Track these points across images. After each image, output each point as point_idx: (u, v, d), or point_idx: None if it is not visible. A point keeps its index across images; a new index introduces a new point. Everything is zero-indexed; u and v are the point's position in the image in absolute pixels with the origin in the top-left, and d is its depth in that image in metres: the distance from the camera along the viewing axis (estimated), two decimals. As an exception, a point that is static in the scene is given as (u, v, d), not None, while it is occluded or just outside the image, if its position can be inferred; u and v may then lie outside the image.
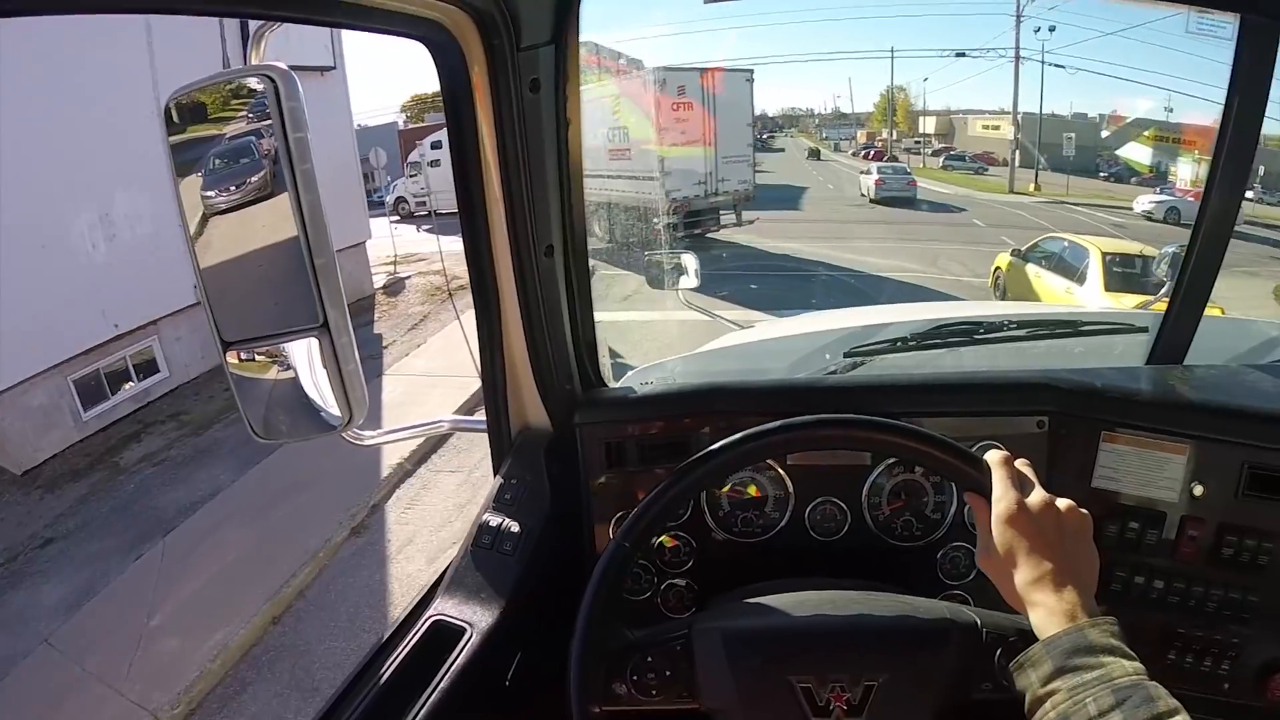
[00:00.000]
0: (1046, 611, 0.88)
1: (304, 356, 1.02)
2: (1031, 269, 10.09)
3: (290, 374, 1.04)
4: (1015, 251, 10.69)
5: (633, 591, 1.44)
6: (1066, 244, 9.82)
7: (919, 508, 1.42)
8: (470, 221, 1.30)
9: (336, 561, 5.89)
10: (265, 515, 6.56)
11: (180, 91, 0.97)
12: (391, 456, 6.98)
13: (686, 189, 14.35)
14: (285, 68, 0.90)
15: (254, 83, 0.92)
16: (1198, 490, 1.32)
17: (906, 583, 1.22)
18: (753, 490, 1.43)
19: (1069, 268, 9.29)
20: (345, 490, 6.68)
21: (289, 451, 7.00)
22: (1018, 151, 30.08)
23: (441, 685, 1.16)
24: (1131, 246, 9.98)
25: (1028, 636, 0.89)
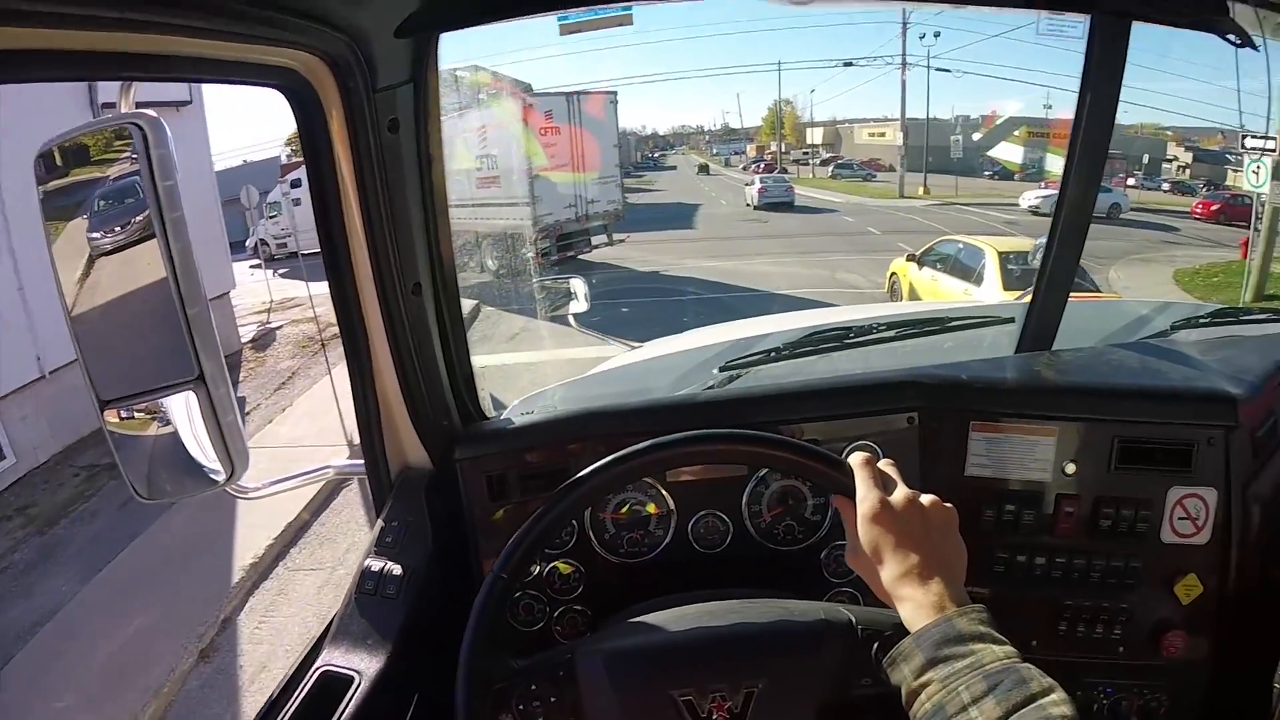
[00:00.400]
0: (914, 605, 0.91)
1: (183, 411, 1.00)
2: (928, 273, 10.39)
3: (170, 430, 1.02)
4: (911, 256, 11.00)
5: (526, 623, 1.46)
6: (961, 246, 10.05)
7: (799, 512, 1.48)
8: (334, 263, 1.30)
9: (183, 696, 5.34)
10: (109, 634, 5.98)
11: (51, 143, 0.96)
12: (244, 556, 6.61)
13: (558, 212, 14.59)
14: (154, 115, 0.90)
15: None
16: (1070, 468, 1.43)
17: (793, 585, 1.28)
18: (636, 510, 1.47)
19: (966, 269, 9.59)
20: (195, 600, 6.26)
21: (135, 553, 6.86)
22: (905, 156, 31.21)
23: None
24: (1025, 244, 10.32)
25: (902, 630, 0.92)
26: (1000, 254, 9.15)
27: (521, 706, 1.03)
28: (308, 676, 1.23)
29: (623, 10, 1.67)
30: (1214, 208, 24.07)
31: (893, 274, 11.69)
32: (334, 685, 1.21)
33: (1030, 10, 1.54)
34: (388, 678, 1.23)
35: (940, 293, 9.84)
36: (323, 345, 10.93)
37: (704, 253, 16.89)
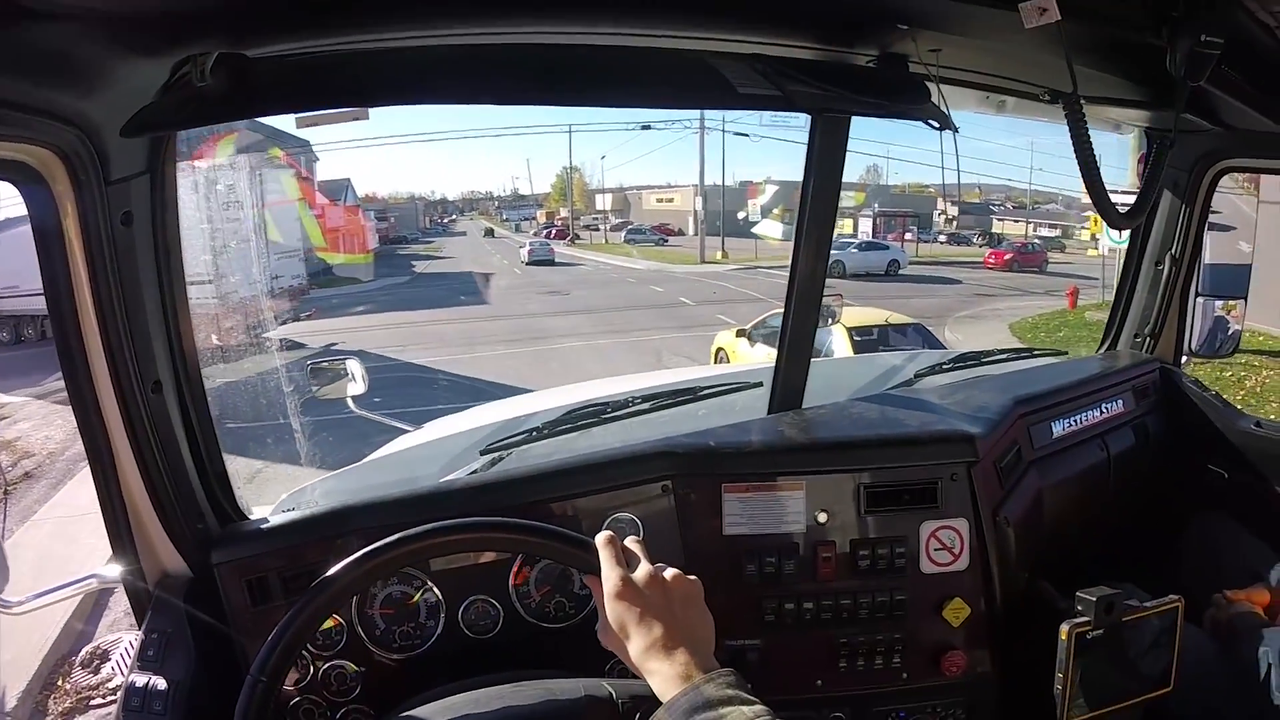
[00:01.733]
0: (663, 677, 0.94)
1: None
2: (762, 350, 10.27)
3: None
4: (740, 332, 11.06)
5: None
6: None
7: (566, 588, 1.53)
8: (69, 361, 1.28)
9: None
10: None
11: None
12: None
13: (243, 289, 14.32)
14: None
15: None
16: (822, 517, 1.57)
17: (572, 662, 1.32)
18: (405, 603, 1.49)
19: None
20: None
21: None
22: (704, 221, 32.22)
23: None
24: (875, 316, 10.67)
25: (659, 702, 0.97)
26: (849, 329, 9.24)
27: None
28: None
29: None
30: (1006, 257, 26.60)
31: (719, 349, 11.77)
32: None
33: (754, 110, 1.72)
34: None
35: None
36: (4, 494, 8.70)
37: (504, 335, 15.75)
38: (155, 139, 1.25)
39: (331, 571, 1.13)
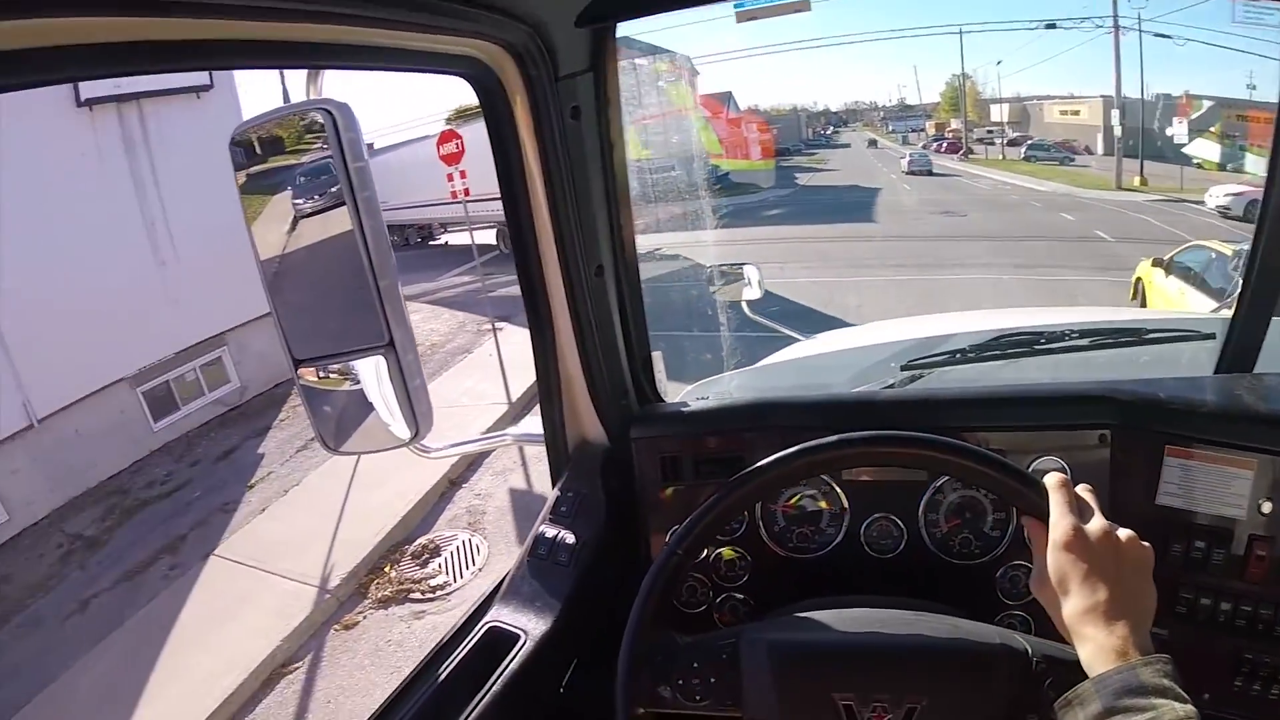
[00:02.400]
0: (1096, 646, 0.90)
1: (371, 374, 1.13)
2: (1175, 284, 9.27)
3: (359, 390, 1.15)
4: (1157, 261, 10.00)
5: (689, 604, 1.56)
6: (1214, 256, 8.59)
7: (978, 525, 1.47)
8: (520, 244, 1.43)
9: None
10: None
11: (245, 126, 1.11)
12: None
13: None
14: (343, 102, 1.02)
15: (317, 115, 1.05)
16: (1266, 507, 1.33)
17: (964, 602, 1.30)
18: (809, 505, 1.53)
19: (1217, 289, 8.01)
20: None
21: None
22: (1122, 138, 28.48)
23: (495, 689, 1.25)
24: None
25: (1078, 670, 0.92)
26: None
27: (681, 682, 1.11)
28: (476, 629, 1.36)
29: None
30: None
31: (1138, 279, 10.52)
32: (500, 640, 1.33)
33: None
34: (552, 639, 1.34)
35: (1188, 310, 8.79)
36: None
37: (892, 258, 14.50)
38: (598, 39, 1.33)
39: (765, 461, 1.17)
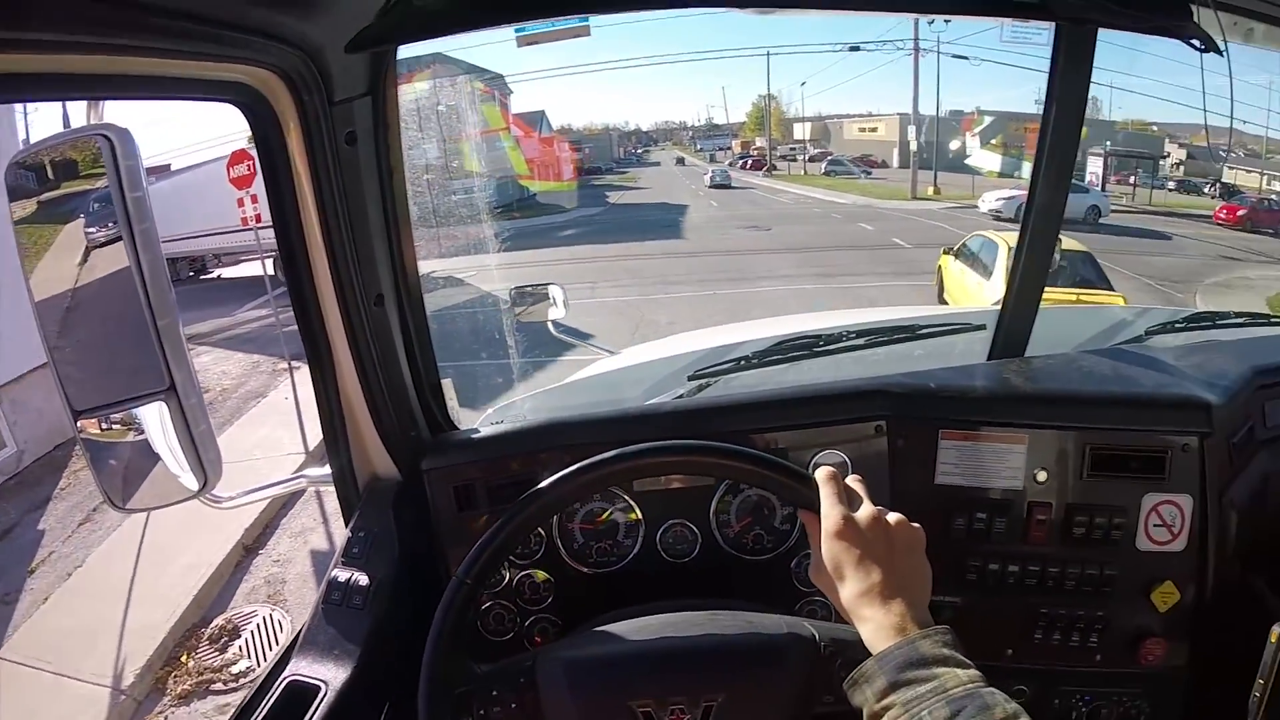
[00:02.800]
0: (876, 625, 0.95)
1: (156, 422, 1.08)
2: (956, 266, 11.04)
3: (144, 440, 1.10)
4: (948, 249, 11.66)
5: (496, 632, 1.56)
6: (983, 241, 10.69)
7: (768, 521, 1.57)
8: (294, 274, 1.39)
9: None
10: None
11: (23, 153, 1.07)
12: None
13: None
14: (122, 127, 0.98)
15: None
16: (1041, 476, 1.51)
17: (764, 595, 1.38)
18: (604, 519, 1.57)
19: (982, 265, 10.17)
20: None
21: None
22: (918, 151, 30.37)
23: None
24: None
25: (865, 649, 0.96)
26: (1010, 248, 9.19)
27: (482, 711, 1.11)
28: (275, 685, 1.31)
29: (579, 22, 1.73)
30: (1240, 213, 22.89)
31: (939, 268, 12.00)
32: (301, 694, 1.29)
33: (993, 19, 1.57)
34: (355, 687, 1.31)
35: (960, 286, 10.47)
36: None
37: (700, 273, 14.93)
38: (376, 62, 1.31)
39: (546, 482, 1.19)
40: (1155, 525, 1.49)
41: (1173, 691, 1.55)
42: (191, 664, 5.80)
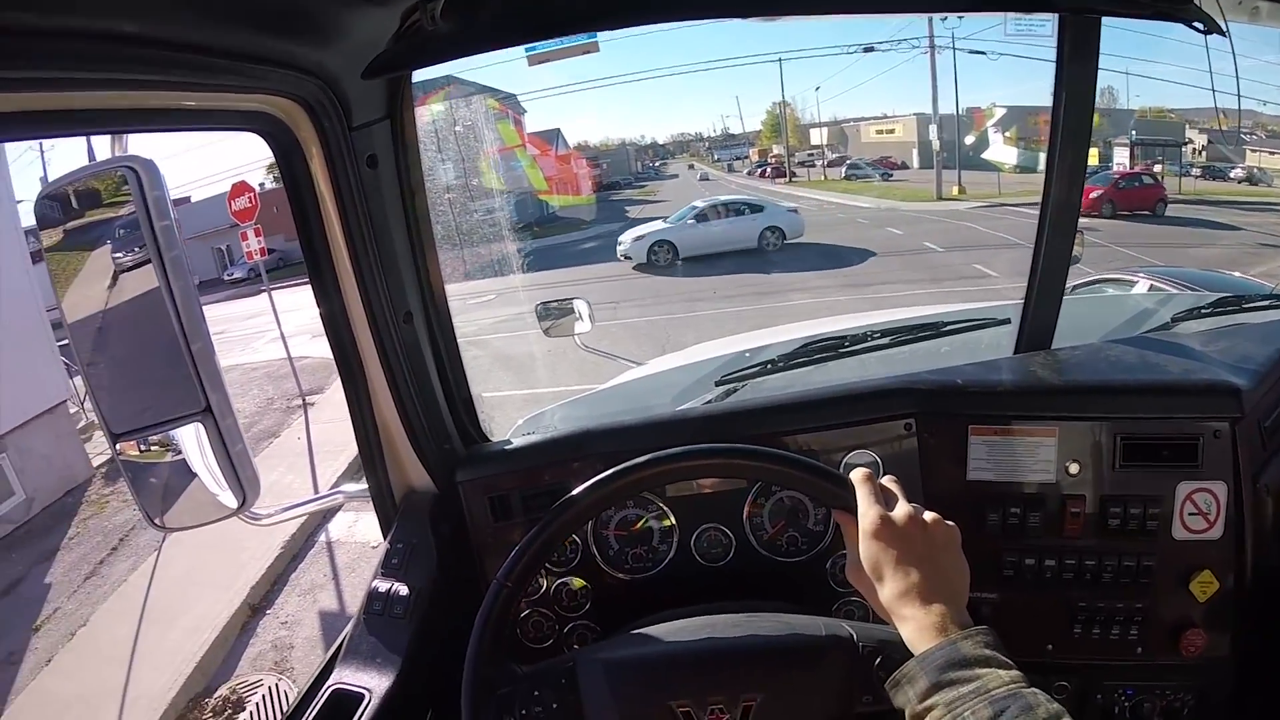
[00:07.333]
0: (916, 625, 0.96)
1: (193, 442, 1.13)
2: None
3: (182, 460, 1.15)
4: None
5: (536, 640, 1.62)
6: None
7: (802, 523, 1.61)
8: (324, 295, 1.44)
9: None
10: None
11: (51, 187, 1.11)
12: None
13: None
14: (147, 159, 1.03)
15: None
16: (1074, 468, 1.53)
17: (800, 596, 1.41)
18: (639, 526, 1.62)
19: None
20: None
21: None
22: (941, 151, 29.93)
23: None
24: None
25: (904, 649, 0.97)
26: None
27: (524, 711, 1.13)
28: (320, 694, 1.37)
29: (588, 39, 1.81)
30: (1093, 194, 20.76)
31: None
32: (346, 703, 1.34)
33: (996, 12, 1.61)
34: (398, 694, 1.36)
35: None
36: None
37: (726, 289, 14.52)
38: (393, 86, 1.37)
39: (582, 487, 1.22)
40: (1190, 514, 1.49)
41: (1218, 681, 1.55)
42: (193, 741, 5.64)
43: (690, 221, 18.43)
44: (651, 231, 17.35)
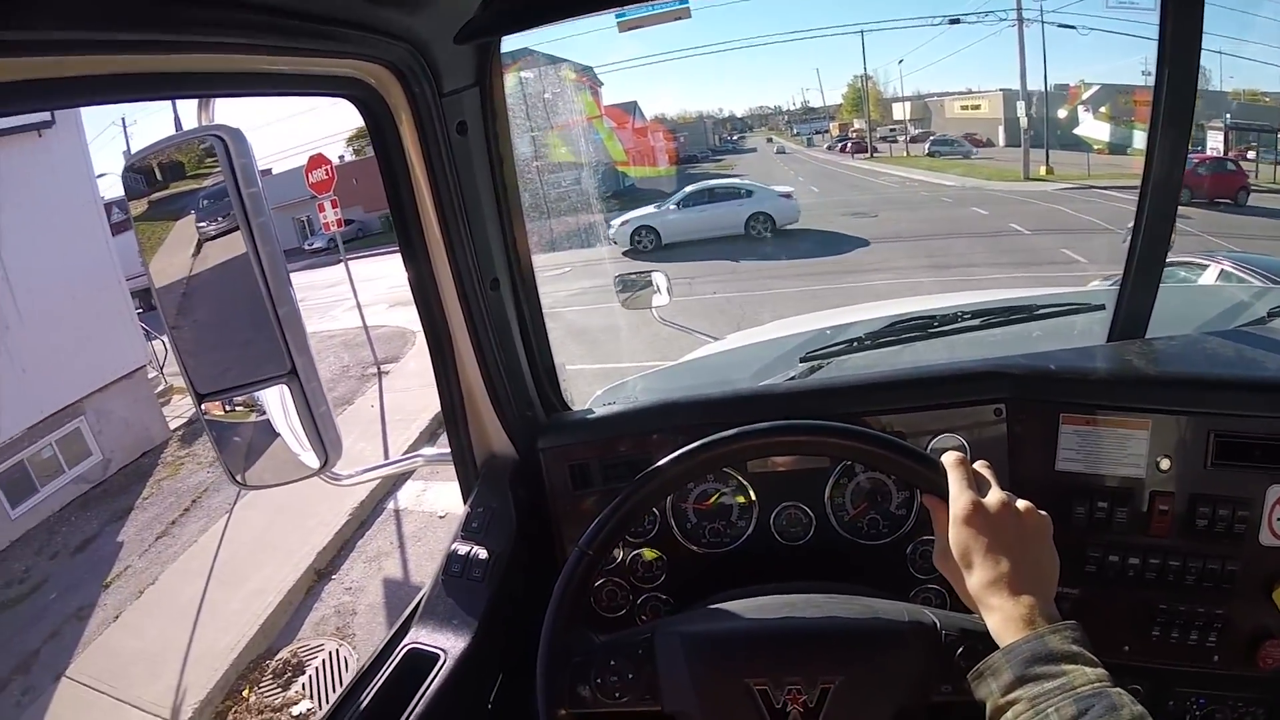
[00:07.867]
0: (1003, 616, 0.95)
1: (277, 404, 1.17)
2: None
3: (265, 421, 1.19)
4: None
5: (610, 609, 1.64)
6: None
7: (884, 506, 1.58)
8: (413, 262, 1.47)
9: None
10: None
11: (138, 156, 1.13)
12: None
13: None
14: (235, 127, 1.05)
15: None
16: (1164, 464, 1.46)
17: (878, 580, 1.38)
18: (718, 500, 1.62)
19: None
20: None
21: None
22: (1029, 129, 29.03)
23: (418, 710, 1.29)
24: None
25: (988, 640, 0.97)
26: None
27: (599, 680, 1.15)
28: (396, 652, 1.40)
29: (680, 4, 1.81)
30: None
31: None
32: (421, 661, 1.37)
33: None
34: (472, 656, 1.39)
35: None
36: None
37: (797, 266, 14.34)
38: (482, 53, 1.38)
39: (666, 459, 1.23)
40: (1279, 519, 1.43)
41: None
42: (253, 699, 5.85)
43: (672, 207, 18.08)
44: (635, 216, 17.16)
